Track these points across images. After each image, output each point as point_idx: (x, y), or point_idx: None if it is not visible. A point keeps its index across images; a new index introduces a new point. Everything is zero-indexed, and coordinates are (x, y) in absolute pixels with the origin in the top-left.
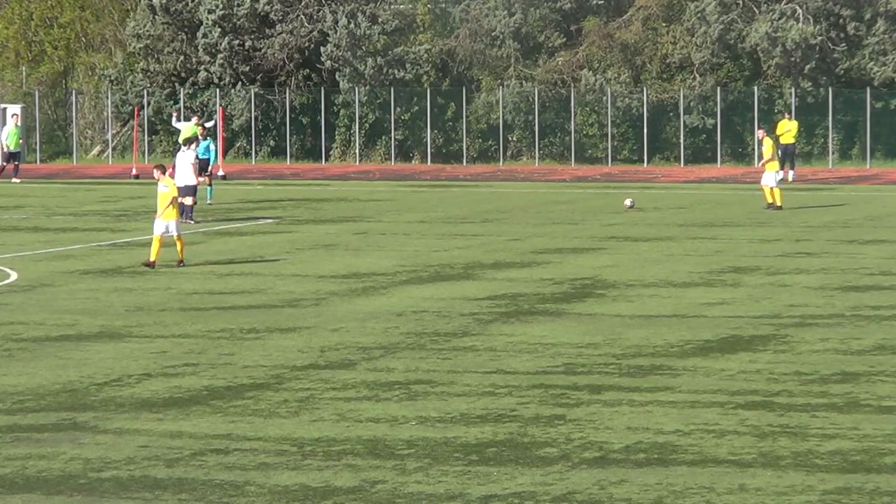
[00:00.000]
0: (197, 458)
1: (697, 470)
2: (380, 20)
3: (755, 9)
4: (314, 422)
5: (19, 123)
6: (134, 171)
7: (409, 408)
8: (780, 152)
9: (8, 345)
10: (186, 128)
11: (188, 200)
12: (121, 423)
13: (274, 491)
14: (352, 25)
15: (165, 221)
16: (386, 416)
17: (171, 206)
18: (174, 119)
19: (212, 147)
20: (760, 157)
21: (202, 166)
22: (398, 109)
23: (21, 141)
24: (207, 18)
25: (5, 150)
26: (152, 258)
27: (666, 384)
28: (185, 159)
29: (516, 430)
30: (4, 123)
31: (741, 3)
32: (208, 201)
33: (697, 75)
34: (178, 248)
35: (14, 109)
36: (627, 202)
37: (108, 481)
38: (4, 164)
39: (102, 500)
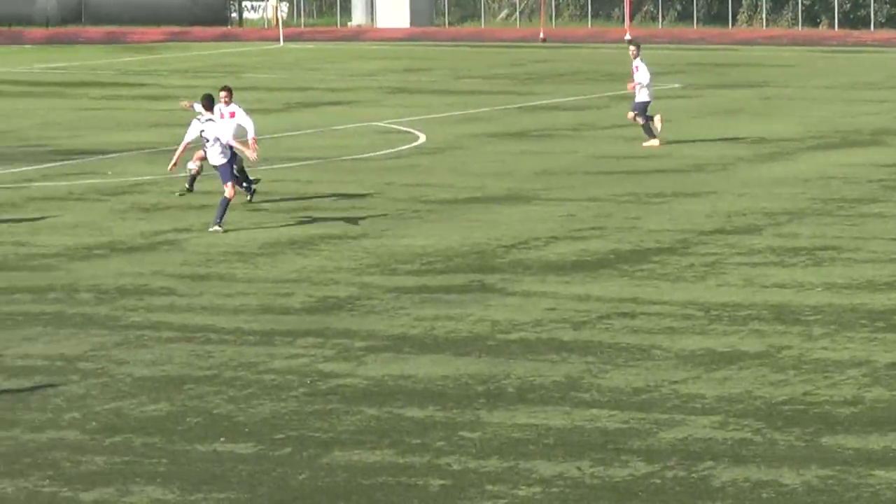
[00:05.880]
0: (603, 321)
1: None
2: None
3: None
4: (720, 286)
5: None
6: (542, 35)
7: (815, 273)
8: None
9: (417, 206)
10: None
11: None
12: (528, 286)
13: (680, 355)
14: None
15: None
16: (792, 282)
17: None
18: None
19: None
20: None
21: None
22: None
23: None
24: None
25: None
26: None
27: None
28: None
29: None
30: None
31: None
32: None
33: None
34: None
35: None
36: None
37: (516, 343)
38: None
39: (510, 362)
